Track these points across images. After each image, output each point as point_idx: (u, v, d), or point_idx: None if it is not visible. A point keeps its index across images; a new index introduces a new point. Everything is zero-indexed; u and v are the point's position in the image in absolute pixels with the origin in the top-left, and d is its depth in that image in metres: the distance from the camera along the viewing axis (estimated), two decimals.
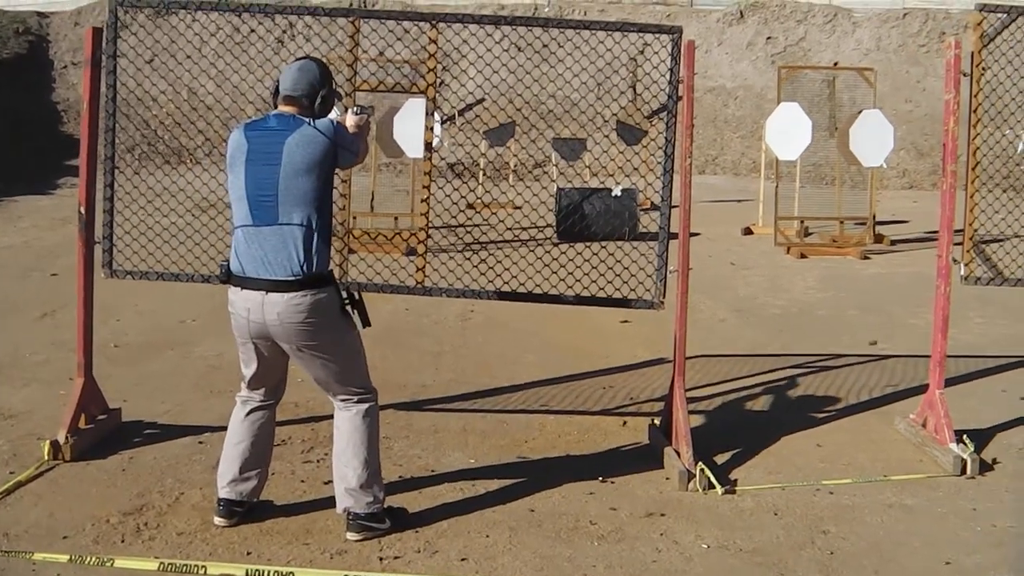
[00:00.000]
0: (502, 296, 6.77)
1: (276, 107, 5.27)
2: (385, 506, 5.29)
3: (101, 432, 6.46)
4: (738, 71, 24.57)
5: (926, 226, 14.28)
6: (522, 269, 7.07)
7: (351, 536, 5.19)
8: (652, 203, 16.25)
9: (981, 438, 6.68)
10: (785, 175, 15.78)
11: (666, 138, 6.45)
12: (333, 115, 5.34)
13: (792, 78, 20.53)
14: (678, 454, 6.07)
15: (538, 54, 8.17)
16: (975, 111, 6.63)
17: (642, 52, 22.05)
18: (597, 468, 6.14)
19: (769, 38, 25.45)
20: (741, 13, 25.95)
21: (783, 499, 5.74)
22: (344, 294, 5.27)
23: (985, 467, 6.26)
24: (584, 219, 12.85)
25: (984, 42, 6.62)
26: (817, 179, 19.07)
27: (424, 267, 6.81)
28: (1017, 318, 9.99)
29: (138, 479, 5.86)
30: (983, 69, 6.64)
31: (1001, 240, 7.17)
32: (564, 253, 7.10)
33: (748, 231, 14.65)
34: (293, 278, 4.99)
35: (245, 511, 5.37)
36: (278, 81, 5.27)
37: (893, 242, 14.14)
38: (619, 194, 12.91)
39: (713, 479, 5.83)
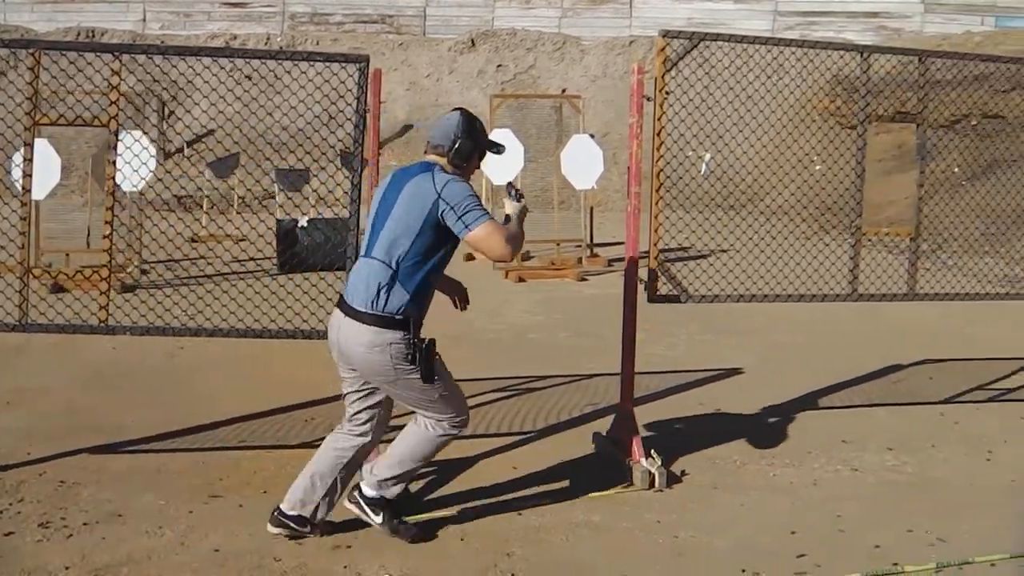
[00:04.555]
0: (167, 332, 6.59)
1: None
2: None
3: None
4: (468, 99, 24.80)
5: (644, 246, 14.63)
6: (231, 301, 6.92)
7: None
8: None
9: (674, 451, 6.89)
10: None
11: (351, 167, 6.41)
12: (509, 207, 5.58)
13: (521, 105, 20.90)
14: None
15: (271, 86, 8.03)
16: (658, 134, 6.78)
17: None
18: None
19: (499, 66, 25.82)
20: (472, 42, 26.27)
21: (472, 523, 5.74)
22: (412, 346, 5.25)
23: (674, 479, 6.45)
24: (304, 250, 12.70)
25: (667, 67, 6.78)
26: (544, 204, 19.36)
27: (108, 305, 6.57)
28: (718, 333, 10.37)
29: None
30: (666, 93, 6.81)
31: (686, 259, 7.39)
32: (269, 286, 6.96)
33: (470, 257, 14.72)
34: (364, 310, 5.20)
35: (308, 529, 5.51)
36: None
37: (610, 262, 14.46)
38: (305, 224, 12.83)
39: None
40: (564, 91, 22.80)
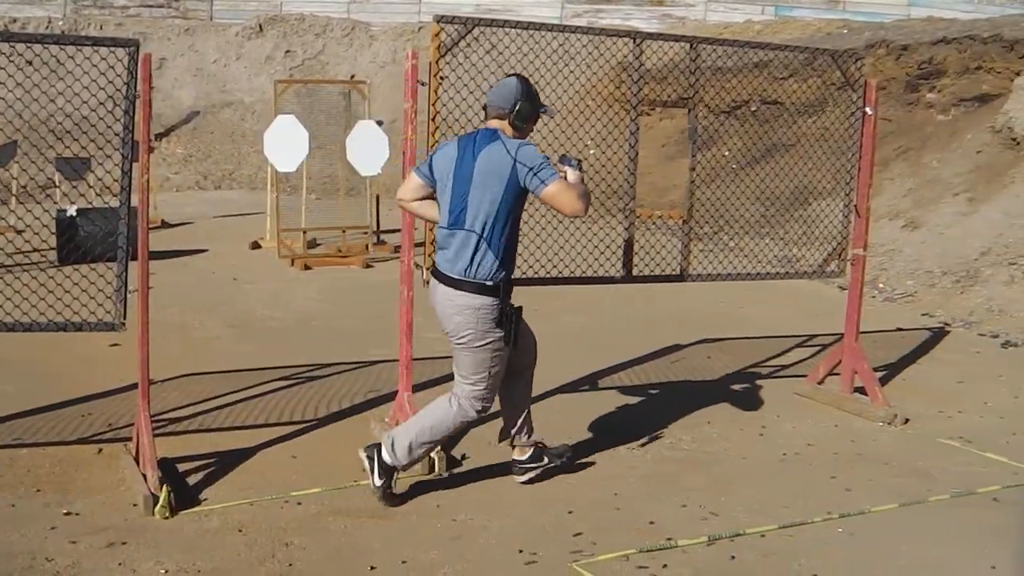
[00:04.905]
0: None
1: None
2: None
3: None
4: (256, 85, 24.45)
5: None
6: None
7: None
8: (163, 221, 15.90)
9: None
10: (299, 188, 15.81)
11: (122, 154, 6.24)
12: (571, 176, 5.81)
13: (310, 91, 20.64)
14: (145, 478, 5.88)
15: (38, 70, 7.75)
16: (433, 119, 6.79)
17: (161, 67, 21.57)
18: (66, 500, 5.83)
19: (288, 52, 25.51)
20: (260, 27, 25.88)
21: (250, 515, 5.68)
22: (500, 311, 5.68)
23: (454, 464, 6.50)
24: (86, 240, 12.28)
25: (442, 52, 6.80)
26: (332, 191, 19.20)
27: None
28: None
29: None
30: (441, 78, 6.82)
31: None
32: (37, 277, 6.68)
33: (256, 245, 14.52)
34: (459, 277, 5.63)
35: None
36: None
37: (396, 249, 14.41)
38: (75, 214, 12.43)
39: (169, 501, 5.68)
40: (352, 77, 22.68)
